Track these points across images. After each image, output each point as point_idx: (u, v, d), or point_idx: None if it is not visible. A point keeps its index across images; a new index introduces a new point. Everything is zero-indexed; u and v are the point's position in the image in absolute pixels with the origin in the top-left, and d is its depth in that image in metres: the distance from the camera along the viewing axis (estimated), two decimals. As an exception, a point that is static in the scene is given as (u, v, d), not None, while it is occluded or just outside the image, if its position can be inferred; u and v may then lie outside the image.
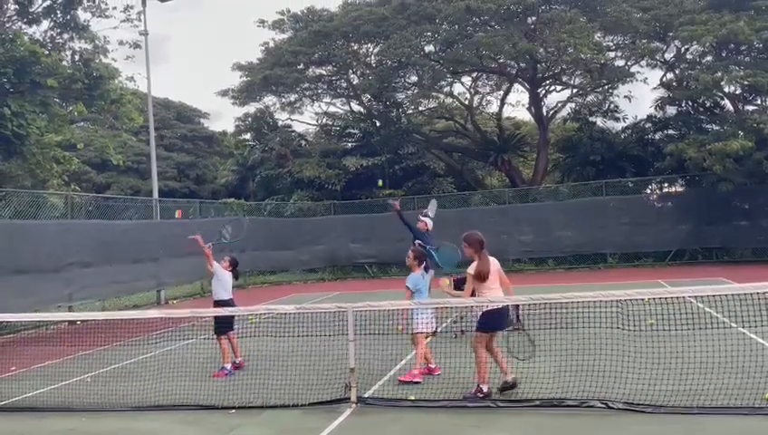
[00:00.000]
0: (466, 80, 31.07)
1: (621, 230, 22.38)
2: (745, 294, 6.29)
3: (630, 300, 6.46)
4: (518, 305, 6.70)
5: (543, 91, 29.05)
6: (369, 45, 29.28)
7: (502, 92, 31.29)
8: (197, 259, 16.79)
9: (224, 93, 31.57)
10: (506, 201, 24.96)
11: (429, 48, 28.04)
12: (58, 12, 16.27)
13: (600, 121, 28.55)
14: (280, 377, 7.64)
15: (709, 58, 23.28)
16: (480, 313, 6.67)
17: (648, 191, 24.95)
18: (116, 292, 16.57)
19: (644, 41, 24.76)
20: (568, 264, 23.15)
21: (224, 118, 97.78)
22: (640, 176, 24.69)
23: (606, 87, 27.35)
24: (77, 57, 16.14)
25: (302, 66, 29.42)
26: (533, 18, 26.03)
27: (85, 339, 11.60)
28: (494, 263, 6.77)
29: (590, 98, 29.08)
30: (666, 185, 25.37)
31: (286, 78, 28.62)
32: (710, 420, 5.53)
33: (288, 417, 6.48)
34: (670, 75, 26.03)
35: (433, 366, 7.83)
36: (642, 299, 6.67)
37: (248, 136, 34.23)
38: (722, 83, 21.66)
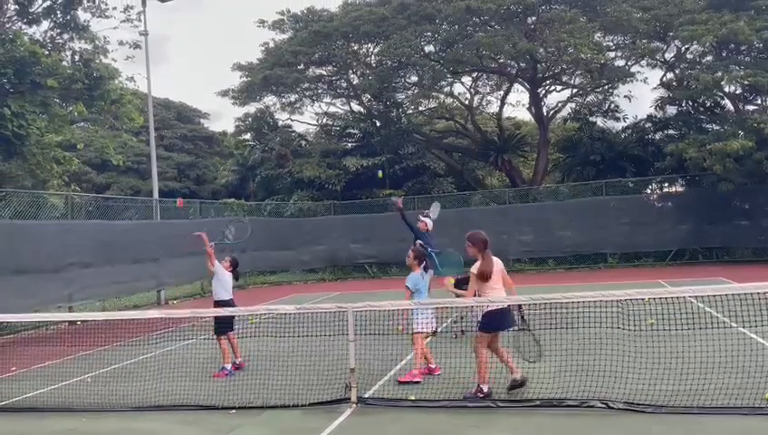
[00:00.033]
0: (466, 80, 31.11)
1: (622, 230, 22.38)
2: (746, 293, 6.29)
3: (631, 300, 6.45)
4: (521, 306, 6.69)
5: (543, 91, 29.06)
6: (370, 45, 29.29)
7: (502, 92, 31.33)
8: (197, 259, 16.83)
9: (224, 93, 31.59)
10: (506, 201, 24.96)
11: (429, 48, 28.05)
12: (58, 12, 16.26)
13: (600, 121, 28.60)
14: (280, 377, 7.63)
15: (709, 58, 23.28)
16: (482, 313, 6.67)
17: (649, 191, 24.96)
18: (116, 292, 16.57)
19: (644, 41, 24.76)
20: (568, 264, 23.14)
21: (224, 118, 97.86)
22: (640, 176, 24.69)
23: (606, 87, 27.36)
24: (77, 57, 16.14)
25: (302, 66, 29.43)
26: (533, 18, 26.03)
27: (85, 339, 11.61)
28: (497, 263, 6.77)
29: (590, 98, 29.09)
30: (666, 185, 25.38)
31: (286, 78, 28.63)
32: (710, 420, 5.53)
33: (288, 417, 6.48)
34: (670, 75, 26.04)
35: (433, 366, 7.83)
36: (642, 299, 6.67)
37: (248, 136, 34.24)
38: (722, 83, 21.67)
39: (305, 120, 35.63)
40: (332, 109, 33.27)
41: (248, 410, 6.74)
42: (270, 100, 31.78)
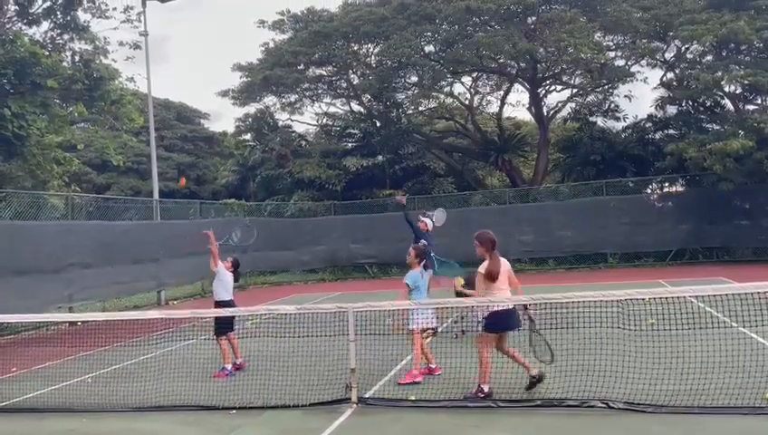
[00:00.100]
0: (466, 80, 31.10)
1: (622, 230, 22.38)
2: (746, 293, 6.29)
3: (631, 300, 6.45)
4: (526, 306, 6.69)
5: (544, 91, 29.05)
6: (370, 46, 29.29)
7: (502, 92, 31.32)
8: (198, 260, 16.92)
9: (224, 94, 31.59)
10: (507, 201, 24.96)
11: (429, 48, 28.05)
12: (58, 13, 16.26)
13: (600, 121, 28.59)
14: (280, 377, 7.64)
15: (709, 57, 23.28)
16: (487, 313, 6.66)
17: (649, 191, 24.94)
18: (116, 293, 16.57)
19: (644, 40, 24.76)
20: (568, 264, 23.14)
21: (224, 118, 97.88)
22: (641, 175, 24.69)
23: (606, 87, 27.35)
24: (77, 58, 16.14)
25: (302, 66, 29.43)
26: (533, 18, 26.03)
27: (86, 340, 11.62)
28: (504, 263, 6.76)
29: (590, 98, 29.08)
30: (666, 184, 25.37)
31: (286, 78, 28.63)
32: (711, 420, 5.53)
33: (289, 417, 6.48)
34: (670, 75, 26.04)
35: (433, 366, 7.83)
36: (643, 299, 6.66)
37: (248, 136, 34.25)
38: (722, 83, 21.67)
39: (305, 121, 35.70)
40: (332, 109, 33.32)
41: (249, 411, 6.75)
42: (270, 100, 31.82)
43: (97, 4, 17.04)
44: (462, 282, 9.54)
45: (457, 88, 31.53)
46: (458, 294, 9.88)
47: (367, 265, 25.13)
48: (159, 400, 7.33)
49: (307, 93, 31.40)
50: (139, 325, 11.31)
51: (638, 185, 24.21)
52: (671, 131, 25.18)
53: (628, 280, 16.98)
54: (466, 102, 32.15)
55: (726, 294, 6.44)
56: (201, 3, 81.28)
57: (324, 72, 30.61)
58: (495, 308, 6.55)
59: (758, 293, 6.23)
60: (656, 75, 33.33)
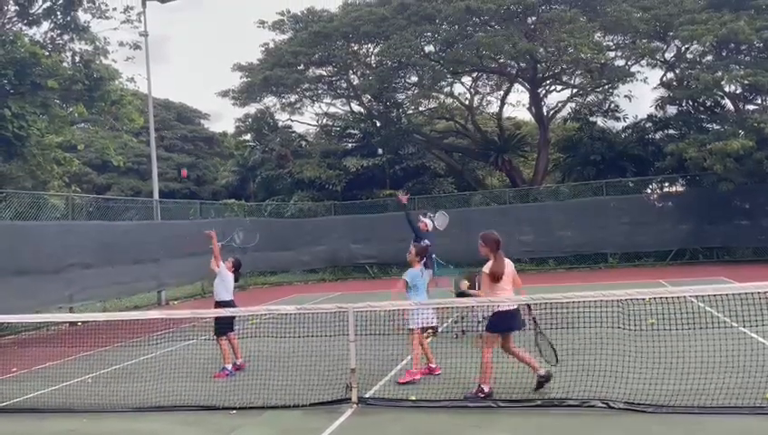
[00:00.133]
0: (466, 80, 31.10)
1: (622, 230, 22.38)
2: (746, 293, 6.28)
3: (631, 300, 6.45)
4: (530, 308, 6.69)
5: (544, 91, 29.05)
6: (370, 46, 29.29)
7: (502, 92, 31.32)
8: (198, 260, 16.92)
9: (224, 94, 31.60)
10: (507, 201, 24.96)
11: (429, 48, 28.05)
12: (58, 13, 16.26)
13: (600, 121, 28.58)
14: (281, 378, 7.64)
15: (709, 57, 23.28)
16: (491, 313, 6.66)
17: (649, 191, 24.93)
18: (117, 293, 16.58)
19: (644, 40, 24.76)
20: (569, 264, 23.14)
21: (224, 119, 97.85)
22: (641, 175, 24.69)
23: (606, 87, 27.35)
24: (77, 58, 16.13)
25: (302, 67, 29.43)
26: (533, 18, 26.03)
27: (86, 340, 11.63)
28: (508, 264, 6.78)
29: (590, 98, 29.09)
30: (666, 184, 25.36)
31: (286, 79, 28.63)
32: (711, 420, 5.53)
33: (289, 417, 6.48)
34: (670, 75, 26.03)
35: (433, 366, 7.83)
36: (643, 299, 6.67)
37: (248, 137, 34.25)
38: (722, 83, 21.67)
39: (305, 121, 35.69)
40: (332, 109, 33.33)
41: (249, 411, 6.75)
42: (270, 100, 31.83)
43: (97, 4, 17.04)
44: (468, 284, 9.58)
45: (457, 88, 31.60)
46: (460, 295, 9.89)
47: (367, 266, 25.13)
48: (160, 400, 7.33)
49: (307, 94, 31.40)
50: (139, 325, 11.31)
51: (638, 185, 24.20)
52: (671, 131, 25.18)
53: (629, 280, 16.98)
54: (466, 102, 32.16)
55: (726, 294, 6.44)
56: (201, 3, 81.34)
57: (324, 73, 30.62)
58: (499, 309, 6.56)
59: (758, 293, 6.23)
60: (656, 75, 33.37)
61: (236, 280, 9.20)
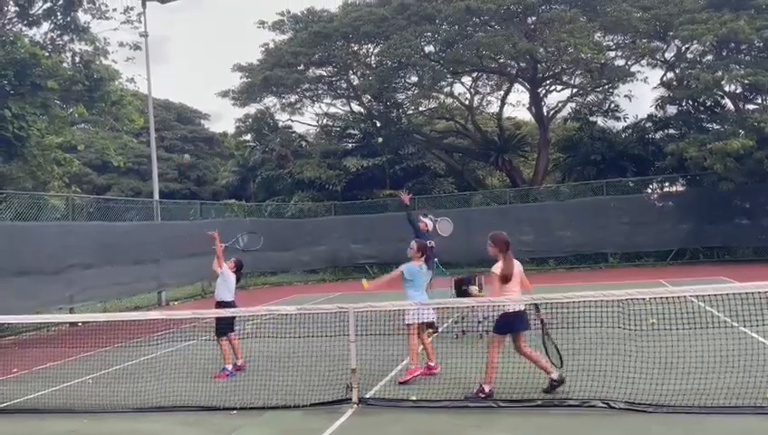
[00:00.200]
0: (467, 80, 31.10)
1: (622, 230, 22.38)
2: (747, 293, 6.28)
3: (632, 300, 6.45)
4: (539, 308, 6.69)
5: (544, 91, 29.05)
6: (370, 46, 29.29)
7: (502, 92, 31.32)
8: (198, 260, 16.94)
9: (224, 94, 31.61)
10: (507, 201, 24.96)
11: (429, 48, 28.05)
12: (58, 14, 16.26)
13: (600, 121, 28.58)
14: (281, 378, 7.64)
15: (709, 57, 23.27)
16: (498, 314, 6.66)
17: (649, 191, 24.91)
18: (117, 293, 16.59)
19: (644, 40, 24.76)
20: (569, 263, 23.14)
21: (224, 119, 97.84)
22: (641, 175, 24.68)
23: (606, 87, 27.35)
24: (77, 59, 16.13)
25: (302, 67, 29.43)
26: (533, 18, 26.03)
27: (86, 340, 11.64)
28: (517, 265, 6.79)
29: (590, 97, 29.08)
30: (666, 184, 25.34)
31: (286, 79, 28.63)
32: (711, 420, 5.53)
33: (289, 418, 6.48)
34: (670, 74, 26.03)
35: (432, 364, 7.81)
36: (643, 299, 6.67)
37: (249, 137, 34.23)
38: (722, 82, 21.66)
39: (305, 121, 35.66)
40: (333, 109, 33.32)
41: (249, 411, 6.75)
42: (270, 100, 31.81)
43: (97, 5, 17.03)
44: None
45: (457, 88, 31.60)
46: (460, 295, 9.90)
47: (367, 266, 25.12)
48: (160, 400, 7.34)
49: (307, 94, 31.41)
50: (139, 326, 11.33)
51: (638, 185, 24.20)
52: (671, 131, 25.16)
53: (629, 280, 16.98)
54: (466, 102, 32.16)
55: (727, 294, 6.44)
56: (201, 3, 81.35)
57: (324, 73, 30.62)
58: (506, 310, 6.56)
59: (759, 292, 6.23)
60: (656, 75, 33.37)
61: (238, 280, 9.21)
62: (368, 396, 6.87)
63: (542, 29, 25.13)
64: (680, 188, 24.70)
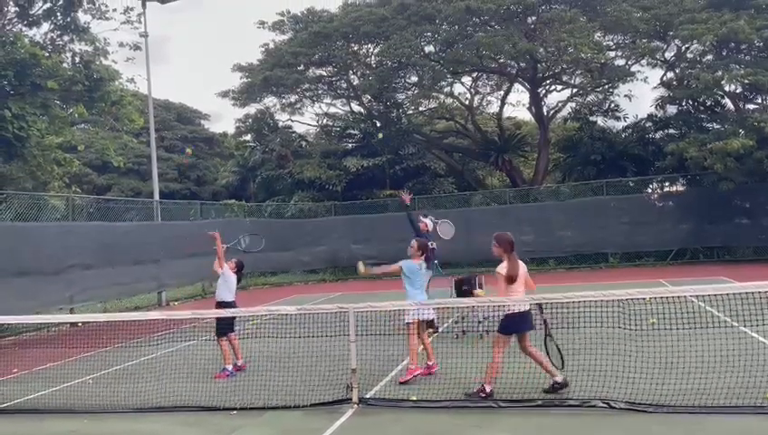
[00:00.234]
0: (467, 80, 31.12)
1: (622, 230, 22.38)
2: (747, 293, 6.28)
3: (632, 299, 6.45)
4: (542, 309, 6.69)
5: (544, 91, 29.06)
6: (370, 46, 29.30)
7: (502, 92, 31.34)
8: (198, 261, 16.95)
9: (224, 94, 31.63)
10: (507, 201, 24.96)
11: (429, 48, 28.06)
12: (58, 14, 16.26)
13: (600, 121, 28.59)
14: (281, 378, 7.64)
15: (709, 57, 23.28)
16: (503, 315, 6.65)
17: (649, 190, 24.91)
18: (117, 294, 16.59)
19: (644, 40, 24.76)
20: (569, 263, 23.14)
21: (224, 119, 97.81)
22: (641, 175, 24.68)
23: (606, 86, 27.36)
24: (77, 59, 16.13)
25: (302, 67, 29.44)
26: (533, 18, 26.04)
27: (87, 341, 11.64)
28: (522, 266, 6.80)
29: (590, 97, 29.09)
30: (667, 184, 25.34)
31: (286, 79, 28.64)
32: (712, 420, 5.53)
33: (290, 418, 6.48)
34: (671, 74, 26.03)
35: (431, 363, 7.80)
36: (643, 298, 6.66)
37: (249, 137, 34.25)
38: (722, 82, 21.67)
39: (305, 121, 35.69)
40: (333, 109, 33.35)
41: (249, 411, 6.75)
42: (270, 101, 31.84)
43: (97, 5, 17.03)
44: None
45: (457, 88, 31.62)
46: (461, 295, 9.90)
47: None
48: (160, 401, 7.34)
49: (307, 94, 31.42)
50: (139, 326, 11.33)
51: (638, 185, 24.20)
52: (671, 131, 25.17)
53: (629, 280, 16.98)
54: (466, 102, 32.17)
55: (727, 294, 6.43)
56: (201, 3, 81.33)
57: (324, 73, 30.63)
58: (511, 311, 6.56)
59: (759, 292, 6.22)
60: (656, 75, 33.38)
61: (239, 281, 9.21)
62: (368, 396, 6.87)
63: (542, 29, 25.13)
64: (680, 188, 24.69)
